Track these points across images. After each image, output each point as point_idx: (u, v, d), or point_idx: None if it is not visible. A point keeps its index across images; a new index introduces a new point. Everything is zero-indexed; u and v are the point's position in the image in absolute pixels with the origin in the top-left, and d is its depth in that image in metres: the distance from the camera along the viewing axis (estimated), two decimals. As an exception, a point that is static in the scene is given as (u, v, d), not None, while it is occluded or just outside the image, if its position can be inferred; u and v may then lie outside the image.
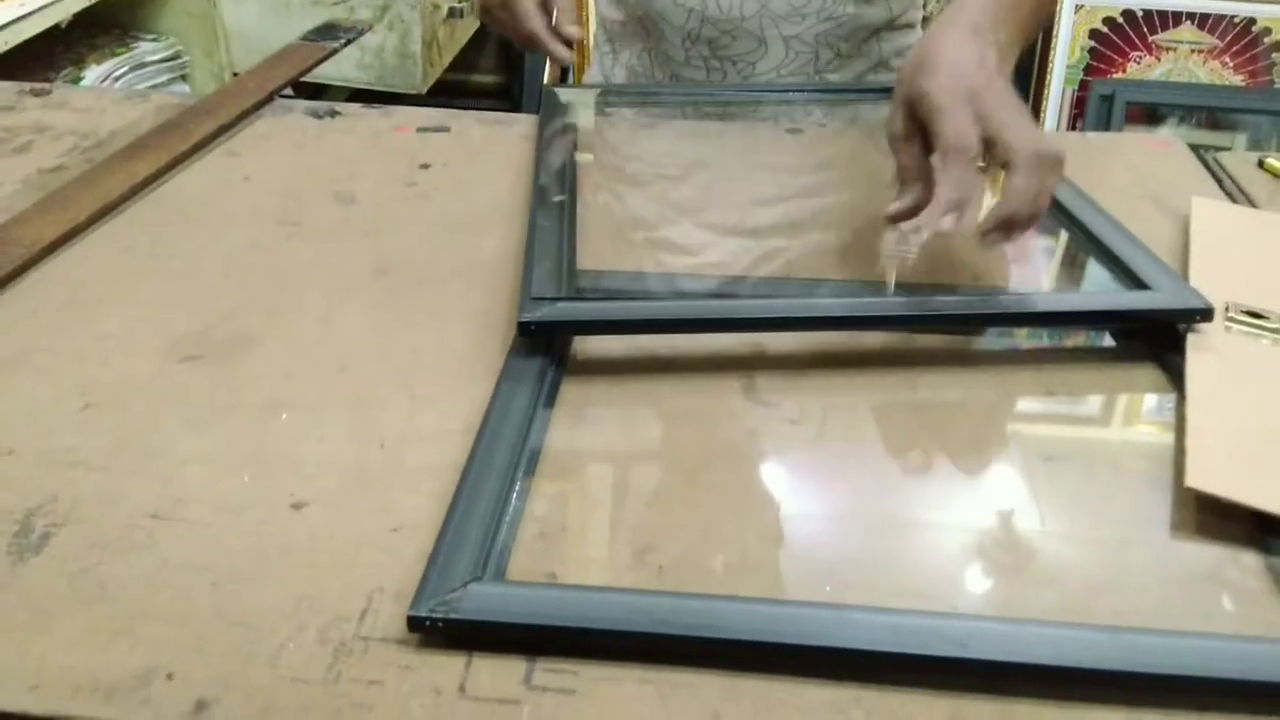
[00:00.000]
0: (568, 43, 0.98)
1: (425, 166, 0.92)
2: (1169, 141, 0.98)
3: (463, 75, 2.97)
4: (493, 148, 0.96)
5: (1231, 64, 2.24)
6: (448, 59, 2.40)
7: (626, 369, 0.66)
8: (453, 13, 2.33)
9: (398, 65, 2.17)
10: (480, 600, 0.47)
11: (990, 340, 0.69)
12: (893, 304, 0.68)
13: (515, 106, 2.80)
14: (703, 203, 0.87)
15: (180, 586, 0.49)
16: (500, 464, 0.55)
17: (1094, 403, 0.64)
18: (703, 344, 0.67)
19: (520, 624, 0.46)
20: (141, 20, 2.10)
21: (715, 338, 0.67)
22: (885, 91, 1.07)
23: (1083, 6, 2.24)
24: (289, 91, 1.11)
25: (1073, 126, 2.30)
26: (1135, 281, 0.67)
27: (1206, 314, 0.64)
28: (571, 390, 0.64)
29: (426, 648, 0.46)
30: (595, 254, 0.78)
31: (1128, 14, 2.24)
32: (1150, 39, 2.25)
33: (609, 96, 1.06)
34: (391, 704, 0.44)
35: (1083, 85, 2.28)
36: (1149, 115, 2.28)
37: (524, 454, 0.56)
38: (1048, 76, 2.29)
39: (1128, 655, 0.45)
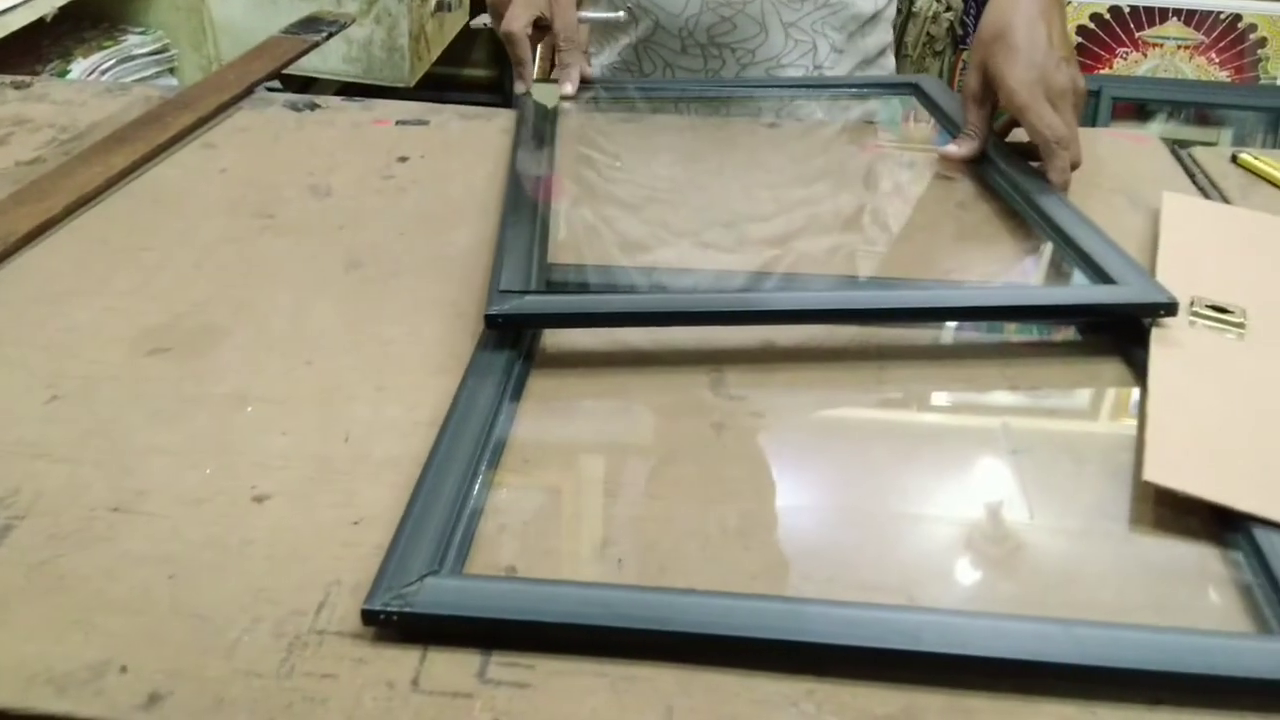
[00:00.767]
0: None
1: (403, 160, 0.92)
2: (1144, 137, 0.98)
3: (454, 69, 2.97)
4: (472, 141, 0.97)
5: (1218, 60, 2.24)
6: (436, 52, 2.40)
7: (595, 363, 0.66)
8: (441, 6, 2.33)
9: (385, 59, 2.17)
10: (435, 594, 0.47)
11: (957, 334, 0.69)
12: (861, 298, 0.68)
13: (507, 101, 2.80)
14: (678, 198, 0.87)
15: (138, 579, 0.49)
16: (462, 457, 0.55)
17: (1058, 396, 0.64)
18: (672, 338, 0.67)
19: (475, 618, 0.46)
20: (129, 14, 2.09)
21: (685, 332, 0.67)
22: (878, 87, 1.08)
23: (1070, 3, 2.24)
24: (276, 84, 1.11)
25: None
26: (1101, 276, 0.67)
27: (1171, 308, 0.64)
28: (539, 383, 0.64)
29: (381, 641, 0.47)
30: (567, 248, 0.78)
31: (1114, 10, 2.24)
32: (1137, 35, 2.25)
33: (586, 91, 1.06)
34: (344, 697, 0.44)
35: (1070, 81, 2.28)
36: (1138, 111, 2.28)
37: (488, 447, 0.57)
38: (1036, 72, 2.29)
39: (1080, 648, 0.45)
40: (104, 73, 1.95)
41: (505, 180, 0.85)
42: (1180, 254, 0.73)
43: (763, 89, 1.05)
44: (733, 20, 1.04)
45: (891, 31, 1.14)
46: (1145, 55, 2.26)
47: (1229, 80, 2.25)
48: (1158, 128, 2.28)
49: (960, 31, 2.57)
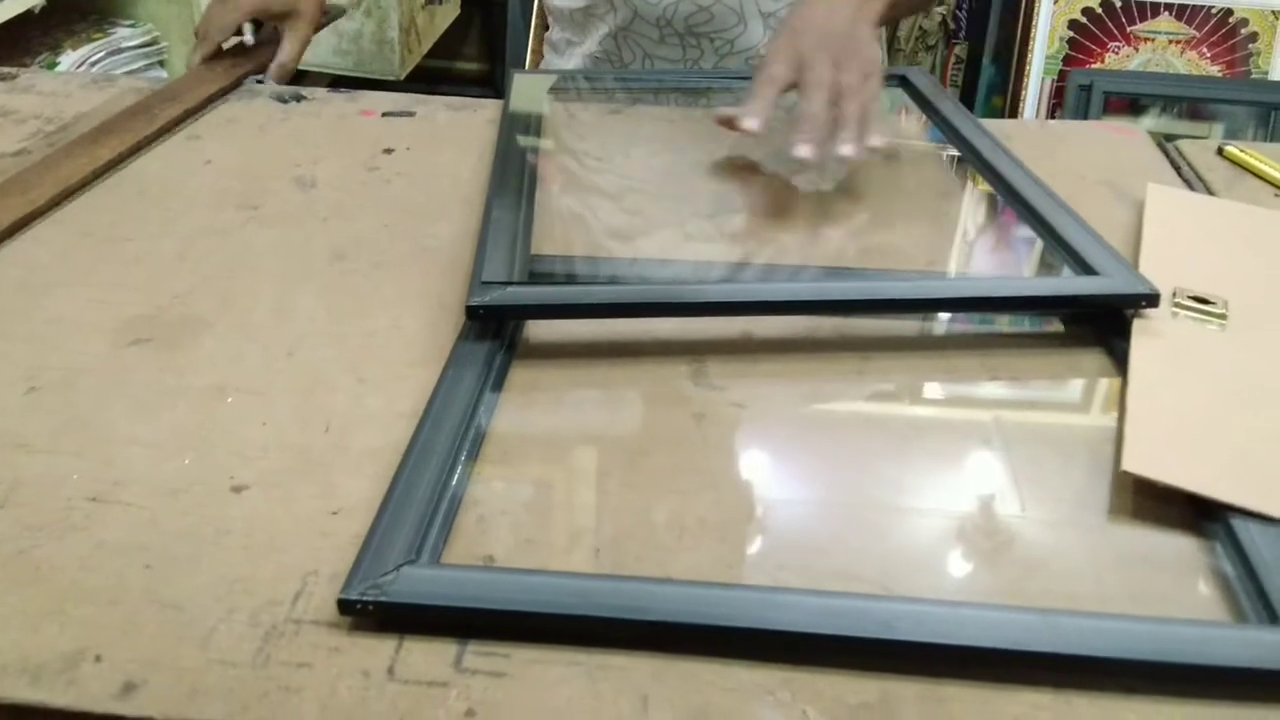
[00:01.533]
0: None
1: (389, 151, 0.92)
2: (1130, 129, 0.98)
3: (446, 62, 2.97)
4: (458, 133, 0.96)
5: (1209, 54, 2.24)
6: (427, 45, 2.40)
7: (577, 354, 0.66)
8: (431, -1, 2.32)
9: (375, 51, 2.17)
10: (411, 583, 0.47)
11: (938, 325, 0.69)
12: (843, 289, 0.68)
13: (498, 94, 2.80)
14: (660, 188, 0.87)
15: (114, 569, 0.49)
16: (441, 447, 0.55)
17: (1040, 387, 0.64)
18: (653, 329, 0.67)
19: (451, 607, 0.46)
20: (118, 6, 2.09)
21: (666, 323, 0.67)
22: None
23: (1061, -3, 2.24)
24: (263, 77, 1.11)
25: (1051, 116, 2.31)
26: (1084, 267, 0.67)
27: (1152, 300, 0.64)
28: (521, 374, 0.64)
29: (358, 631, 0.46)
30: (550, 239, 0.78)
31: (1106, 5, 2.24)
32: (1129, 29, 2.25)
33: (571, 82, 1.06)
34: (319, 686, 0.44)
35: (1061, 75, 2.28)
36: (1131, 106, 2.28)
37: (467, 437, 0.57)
38: (1027, 67, 2.29)
39: (1055, 637, 0.45)
40: (93, 65, 1.95)
41: (490, 172, 0.85)
42: (1164, 246, 0.73)
43: (741, 81, 1.05)
44: (710, 10, 1.04)
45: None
46: (1137, 50, 2.26)
47: (1220, 75, 2.25)
48: (1150, 123, 2.28)
49: (953, 26, 2.57)
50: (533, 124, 0.94)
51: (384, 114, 1.00)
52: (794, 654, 0.45)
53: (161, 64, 2.09)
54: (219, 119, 0.99)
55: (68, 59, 1.91)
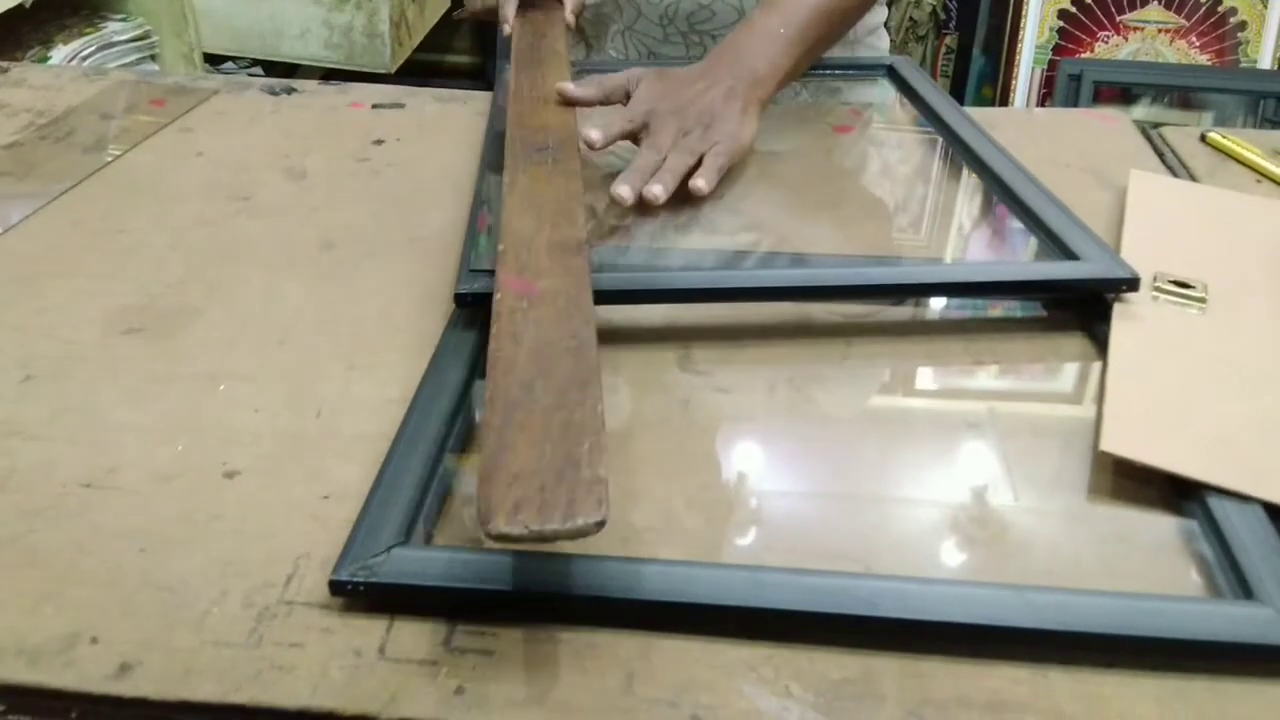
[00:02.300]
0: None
1: (378, 142, 0.93)
2: (1113, 116, 0.99)
3: (437, 56, 2.97)
4: (447, 124, 0.97)
5: (1198, 43, 2.25)
6: (418, 38, 2.40)
7: (565, 341, 0.67)
8: (422, -9, 2.32)
9: (366, 45, 2.17)
10: (402, 564, 0.47)
11: (921, 310, 0.70)
12: (827, 275, 0.69)
13: (490, 87, 2.80)
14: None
15: (109, 553, 0.50)
16: (431, 432, 0.55)
17: (1021, 371, 0.65)
18: (640, 316, 0.68)
19: (440, 587, 0.47)
20: (110, 0, 2.09)
21: (653, 310, 0.68)
22: (852, 69, 1.08)
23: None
24: (256, 70, 1.11)
25: (1041, 105, 2.32)
26: (1065, 252, 0.68)
27: (1133, 284, 0.65)
28: (510, 361, 0.64)
29: (349, 612, 0.47)
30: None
31: (1096, -7, 2.25)
32: (1118, 19, 2.26)
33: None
34: (311, 666, 0.45)
35: (1051, 65, 2.29)
36: (1122, 95, 2.29)
37: (457, 422, 0.57)
38: (1017, 56, 2.30)
39: (1033, 613, 0.46)
40: (85, 59, 1.95)
41: (479, 162, 0.86)
42: (1146, 231, 0.74)
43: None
44: (711, 8, 1.04)
45: (885, 11, 1.14)
46: (1126, 39, 2.27)
47: (1210, 64, 2.26)
48: (1140, 112, 2.29)
49: (943, 16, 2.58)
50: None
51: (373, 106, 1.00)
52: (777, 631, 0.46)
53: (153, 58, 2.09)
54: (209, 111, 0.99)
55: (59, 53, 1.91)
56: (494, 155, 0.84)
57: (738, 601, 0.46)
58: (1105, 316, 0.65)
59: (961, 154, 0.86)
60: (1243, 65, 2.25)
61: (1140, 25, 2.25)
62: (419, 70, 2.56)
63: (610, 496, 0.43)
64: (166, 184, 0.85)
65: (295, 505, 0.53)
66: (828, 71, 1.07)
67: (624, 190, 0.76)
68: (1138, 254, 0.69)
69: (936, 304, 0.71)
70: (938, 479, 0.56)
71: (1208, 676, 0.45)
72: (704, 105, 0.83)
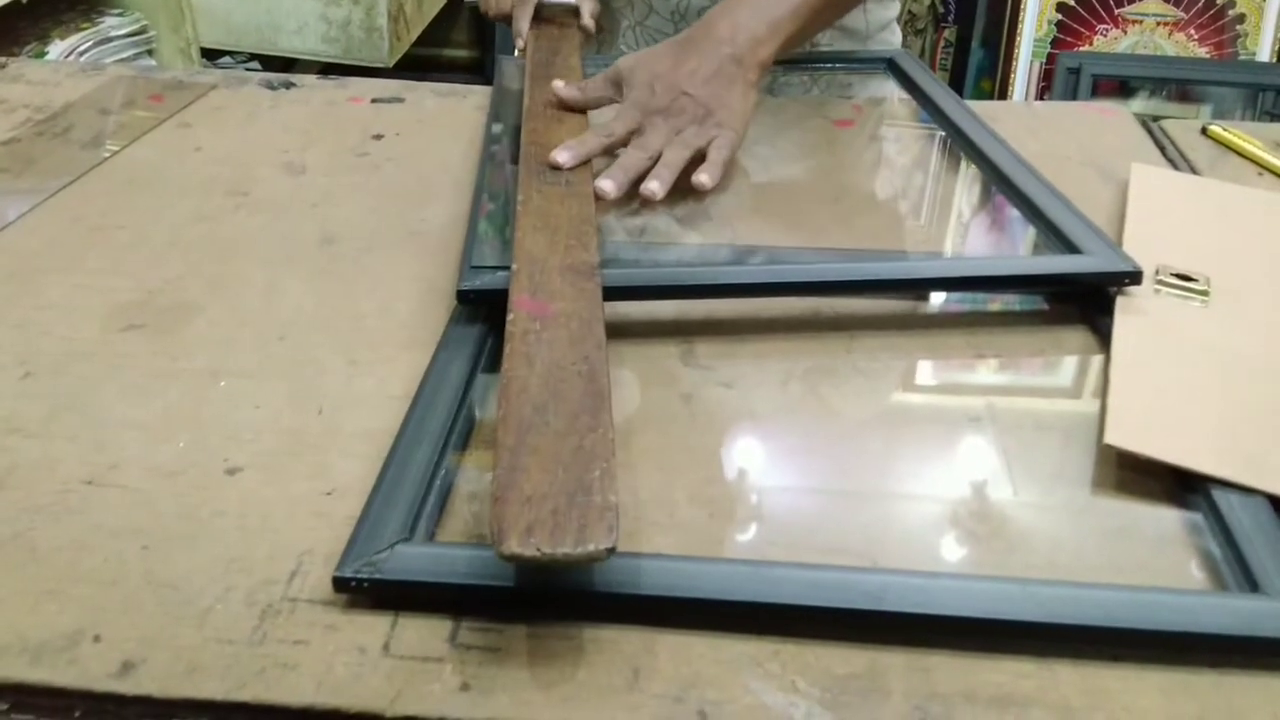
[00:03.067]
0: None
1: (378, 137, 0.92)
2: (1113, 109, 0.99)
3: (435, 50, 2.96)
4: (447, 118, 0.97)
5: (1197, 36, 2.25)
6: (416, 32, 2.39)
7: (567, 336, 0.66)
8: (420, -14, 2.32)
9: (364, 39, 2.16)
10: (406, 561, 0.47)
11: (923, 304, 0.70)
12: (830, 270, 0.69)
13: (488, 81, 2.79)
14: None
15: (111, 550, 0.50)
16: (434, 428, 0.55)
17: (1024, 364, 0.64)
18: (643, 311, 0.68)
19: (445, 583, 0.47)
20: (106, -5, 2.09)
21: (655, 305, 0.68)
22: (853, 63, 1.08)
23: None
24: (254, 65, 1.11)
25: (1040, 99, 2.31)
26: (1068, 245, 0.68)
27: (1135, 277, 0.65)
28: (511, 357, 0.64)
29: (354, 608, 0.47)
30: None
31: (1095, -14, 2.25)
32: (1117, 12, 2.26)
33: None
34: (315, 663, 0.45)
35: (1050, 58, 2.29)
36: (1121, 88, 2.29)
37: (460, 418, 0.57)
38: (1016, 50, 2.30)
39: (1039, 606, 0.46)
40: (82, 54, 1.95)
41: (479, 156, 0.85)
42: (1147, 224, 0.74)
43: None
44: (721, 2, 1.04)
45: (898, 5, 1.13)
46: (1125, 32, 2.27)
47: (1208, 56, 2.26)
48: (1139, 105, 2.29)
49: (942, 10, 2.58)
50: (522, 108, 0.94)
51: (373, 100, 1.00)
52: (783, 626, 0.46)
53: (150, 53, 2.08)
54: (208, 106, 0.99)
55: (56, 48, 1.91)
56: (494, 150, 0.84)
57: (743, 596, 0.46)
58: (1108, 310, 0.65)
59: (963, 147, 0.85)
60: (1241, 58, 2.25)
61: (1139, 18, 2.24)
62: (417, 64, 2.56)
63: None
64: (165, 179, 0.85)
65: (298, 502, 0.53)
66: (829, 65, 1.06)
67: (607, 185, 0.75)
68: (1140, 247, 0.68)
69: (938, 298, 0.70)
70: (941, 473, 0.56)
71: (1213, 670, 0.45)
72: (697, 94, 0.81)
